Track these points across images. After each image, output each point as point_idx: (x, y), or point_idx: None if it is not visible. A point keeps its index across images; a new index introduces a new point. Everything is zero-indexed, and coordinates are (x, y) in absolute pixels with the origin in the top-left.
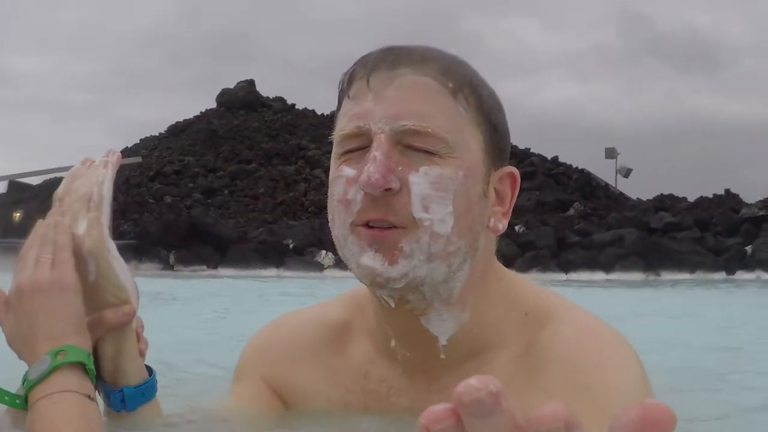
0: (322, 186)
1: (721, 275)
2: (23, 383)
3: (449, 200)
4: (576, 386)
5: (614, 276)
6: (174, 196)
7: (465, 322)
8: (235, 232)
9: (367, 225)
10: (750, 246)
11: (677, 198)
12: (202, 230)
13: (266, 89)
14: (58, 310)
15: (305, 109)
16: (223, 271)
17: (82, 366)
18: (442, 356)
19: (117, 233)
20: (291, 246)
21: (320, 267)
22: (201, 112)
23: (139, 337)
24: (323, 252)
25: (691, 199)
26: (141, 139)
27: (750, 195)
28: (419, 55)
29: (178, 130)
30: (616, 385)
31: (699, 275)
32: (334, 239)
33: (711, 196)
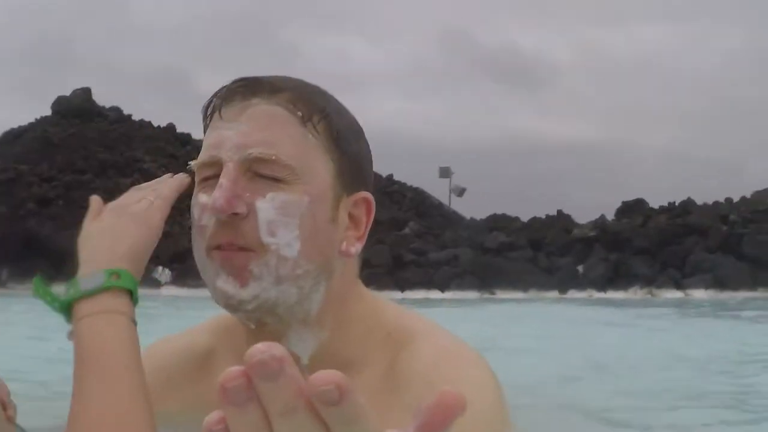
0: None
1: (554, 294)
2: (68, 289)
3: (295, 225)
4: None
5: (449, 294)
6: (8, 206)
7: (324, 341)
8: (72, 244)
9: (219, 248)
10: (582, 265)
11: (510, 218)
12: (39, 243)
13: (100, 98)
14: (132, 238)
15: (141, 120)
16: (57, 287)
17: (129, 293)
18: (308, 374)
19: None
20: None
21: (157, 284)
22: (36, 119)
23: (5, 406)
24: (160, 268)
25: (524, 218)
26: None
27: (579, 215)
28: (271, 86)
29: (12, 137)
30: (470, 402)
31: (532, 294)
32: (197, 263)
33: (544, 216)
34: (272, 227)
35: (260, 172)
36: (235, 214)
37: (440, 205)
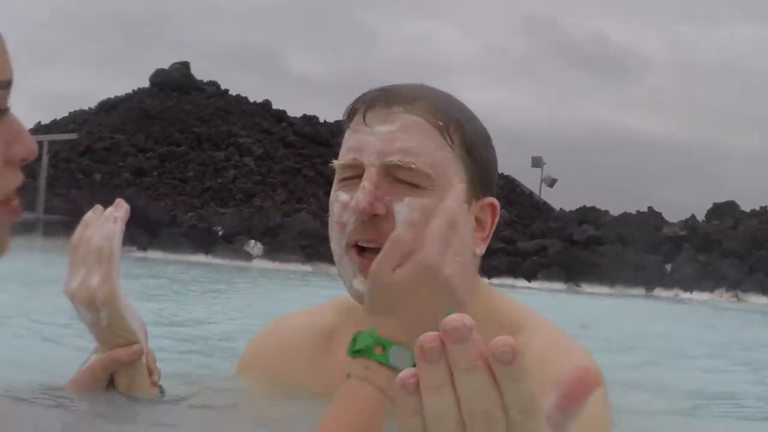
0: (251, 174)
1: (640, 291)
2: (365, 340)
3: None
4: (546, 389)
5: (536, 284)
6: (104, 174)
7: None
8: (165, 216)
9: (357, 245)
10: (669, 264)
11: (600, 211)
12: (134, 211)
13: (198, 74)
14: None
15: (238, 95)
16: (152, 253)
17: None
18: None
19: (47, 207)
20: (220, 233)
21: (249, 256)
22: (133, 90)
23: (151, 371)
24: (252, 242)
25: (613, 212)
26: (70, 113)
27: (667, 213)
28: (412, 95)
29: (109, 106)
30: None
31: (618, 289)
32: (333, 254)
33: (634, 212)
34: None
35: (399, 177)
36: (375, 215)
37: (531, 194)
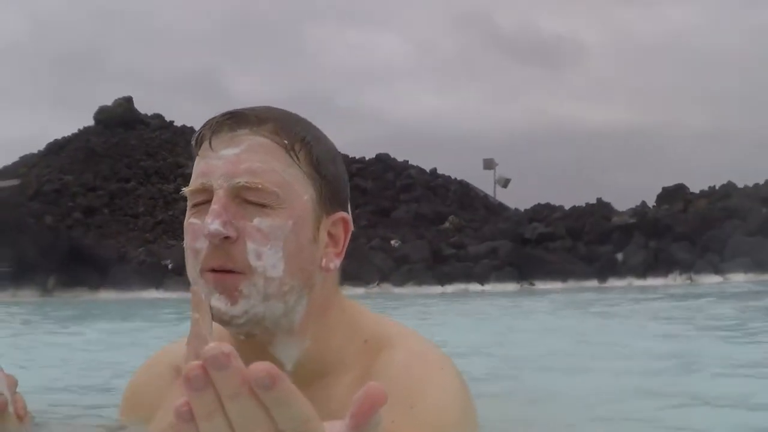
0: None
1: (593, 283)
2: None
3: (279, 247)
4: (403, 405)
5: (489, 287)
6: (55, 216)
7: (307, 348)
8: (115, 253)
9: (212, 270)
10: (620, 253)
11: (553, 207)
12: (83, 252)
13: (141, 106)
14: None
15: (183, 126)
16: (103, 293)
17: None
18: (290, 379)
19: None
20: (170, 266)
21: None
22: (79, 130)
23: (21, 417)
24: None
25: (568, 206)
26: (20, 157)
27: (621, 200)
28: (257, 117)
29: (57, 147)
30: (435, 402)
31: (572, 284)
32: (189, 279)
33: (584, 204)
34: (259, 251)
35: (248, 198)
36: (226, 238)
37: (485, 197)
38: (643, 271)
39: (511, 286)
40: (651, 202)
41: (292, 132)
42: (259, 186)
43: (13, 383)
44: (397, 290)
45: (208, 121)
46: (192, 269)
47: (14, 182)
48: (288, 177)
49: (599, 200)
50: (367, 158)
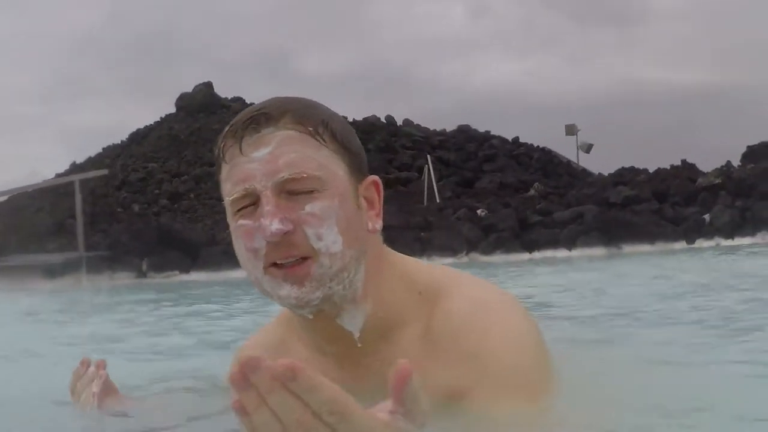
0: None
1: (681, 245)
2: None
3: (333, 224)
4: (466, 356)
5: (576, 252)
6: (141, 204)
7: (369, 312)
8: (203, 236)
9: (275, 264)
10: (707, 214)
11: (637, 170)
12: (172, 236)
13: (219, 90)
14: None
15: None
16: (194, 275)
17: None
18: (359, 345)
19: (88, 244)
20: None
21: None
22: (161, 118)
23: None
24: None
25: (652, 169)
26: (104, 148)
27: (707, 161)
28: (274, 112)
29: (139, 137)
30: (501, 349)
31: (659, 246)
32: (249, 278)
33: (668, 167)
34: (318, 233)
35: (293, 189)
36: (285, 233)
37: (568, 163)
38: (730, 231)
39: (598, 251)
40: (736, 162)
41: (311, 117)
42: (304, 175)
43: (102, 365)
44: (485, 258)
45: (228, 130)
46: (254, 268)
47: (104, 172)
48: (322, 159)
49: (684, 161)
50: (447, 130)
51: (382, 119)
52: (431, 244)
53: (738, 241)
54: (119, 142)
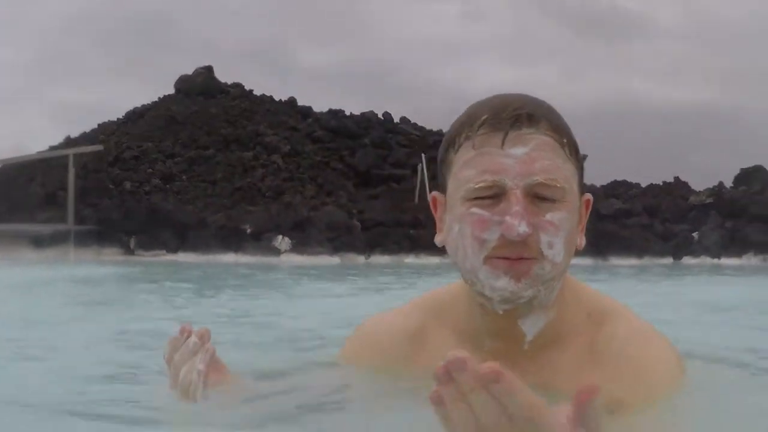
0: (280, 171)
1: (668, 260)
2: None
3: (564, 236)
4: (626, 376)
5: None
6: (133, 182)
7: (548, 322)
8: (194, 218)
9: (501, 257)
10: (696, 232)
11: (630, 184)
12: (162, 216)
13: (220, 76)
14: None
15: (263, 95)
16: (182, 255)
17: None
18: (525, 347)
19: (78, 218)
20: (249, 231)
21: (277, 252)
22: (159, 98)
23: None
24: (279, 237)
25: (644, 183)
26: (99, 124)
27: (698, 180)
28: (536, 113)
29: (136, 116)
30: (657, 374)
31: (647, 260)
32: (459, 264)
33: (661, 183)
34: (551, 242)
35: (541, 194)
36: (528, 235)
37: None
38: (717, 251)
39: (586, 261)
40: (728, 183)
41: (563, 128)
42: (556, 184)
43: (206, 336)
44: None
45: (487, 117)
46: (475, 257)
47: (98, 147)
48: (567, 173)
49: (677, 179)
50: (444, 130)
51: (380, 115)
52: (420, 243)
53: (724, 261)
54: (115, 120)
